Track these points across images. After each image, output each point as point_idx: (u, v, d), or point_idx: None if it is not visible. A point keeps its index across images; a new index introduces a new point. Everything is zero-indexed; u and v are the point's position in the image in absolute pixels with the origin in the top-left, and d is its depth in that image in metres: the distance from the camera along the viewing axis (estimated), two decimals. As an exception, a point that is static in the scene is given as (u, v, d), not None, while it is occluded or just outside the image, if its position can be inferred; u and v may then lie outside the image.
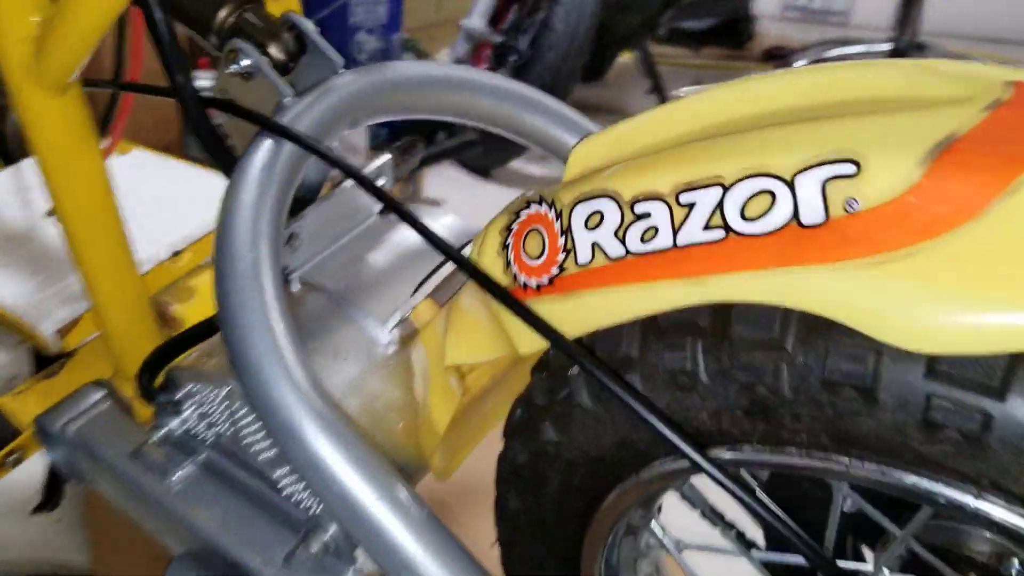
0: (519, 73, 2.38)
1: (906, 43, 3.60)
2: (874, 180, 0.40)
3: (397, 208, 0.59)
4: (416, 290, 0.71)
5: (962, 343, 0.38)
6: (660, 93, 3.34)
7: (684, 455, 0.50)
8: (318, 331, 0.70)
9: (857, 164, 0.41)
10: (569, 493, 0.67)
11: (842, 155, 0.41)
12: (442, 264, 0.73)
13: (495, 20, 2.54)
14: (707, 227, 0.45)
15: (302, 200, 0.73)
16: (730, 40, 4.46)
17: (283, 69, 0.68)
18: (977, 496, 0.43)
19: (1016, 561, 0.55)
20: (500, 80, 0.73)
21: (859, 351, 0.45)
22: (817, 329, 0.46)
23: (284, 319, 0.58)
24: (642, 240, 0.47)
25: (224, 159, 0.67)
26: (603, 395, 0.58)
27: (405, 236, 0.79)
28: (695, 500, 0.78)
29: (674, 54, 4.29)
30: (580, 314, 0.51)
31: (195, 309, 0.93)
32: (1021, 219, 0.37)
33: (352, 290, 0.73)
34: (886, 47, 3.67)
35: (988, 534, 0.57)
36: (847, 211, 0.41)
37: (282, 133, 0.63)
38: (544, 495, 0.68)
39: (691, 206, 0.45)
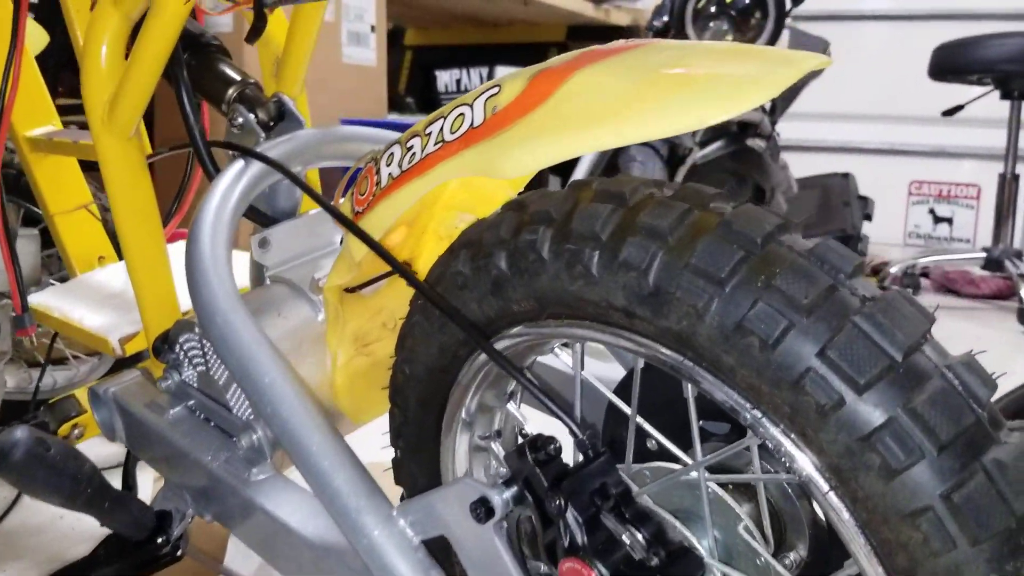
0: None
1: (1000, 252, 3.72)
2: (504, 93, 0.68)
3: (314, 195, 0.89)
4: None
5: (532, 167, 0.64)
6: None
7: (470, 337, 0.75)
8: (274, 303, 0.99)
9: (500, 87, 0.69)
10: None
11: (494, 84, 0.69)
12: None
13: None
14: (436, 143, 0.73)
15: (275, 219, 1.05)
16: (841, 258, 4.65)
17: (266, 127, 1.02)
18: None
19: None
20: (388, 133, 1.04)
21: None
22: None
23: (230, 279, 0.88)
24: (409, 161, 0.76)
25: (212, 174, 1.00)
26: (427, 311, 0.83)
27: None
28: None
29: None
30: (380, 217, 0.78)
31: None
32: (561, 99, 0.64)
33: (303, 281, 1.02)
34: (981, 255, 3.78)
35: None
36: (493, 112, 0.69)
37: (251, 154, 0.95)
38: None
39: (430, 133, 0.74)
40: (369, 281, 0.91)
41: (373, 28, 2.98)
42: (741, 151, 3.33)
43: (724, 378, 0.64)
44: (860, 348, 0.57)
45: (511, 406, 0.90)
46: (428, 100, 5.16)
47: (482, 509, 0.67)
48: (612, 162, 2.91)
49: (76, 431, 1.19)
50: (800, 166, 4.65)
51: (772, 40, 2.82)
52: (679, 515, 0.78)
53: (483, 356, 0.82)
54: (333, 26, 2.78)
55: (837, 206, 4.83)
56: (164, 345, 1.03)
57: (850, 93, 5.19)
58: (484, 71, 6.34)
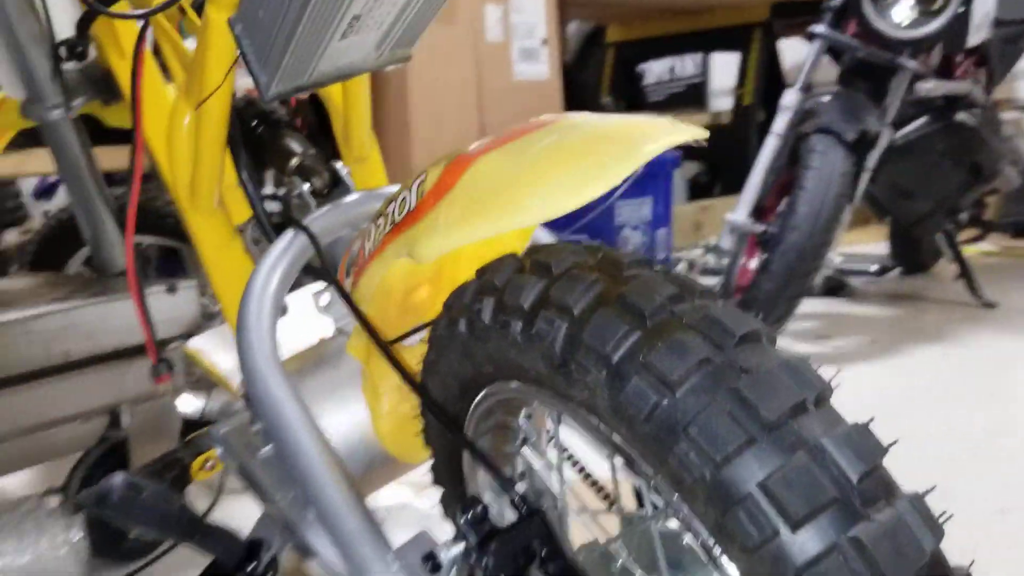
0: (767, 251, 2.59)
1: None
2: (427, 179, 0.73)
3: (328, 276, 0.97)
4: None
5: (444, 250, 0.69)
6: (969, 279, 3.30)
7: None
8: (330, 356, 1.09)
9: (426, 174, 0.74)
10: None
11: (423, 171, 0.75)
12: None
13: (760, 212, 2.79)
14: (390, 224, 0.79)
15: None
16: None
17: (321, 195, 1.12)
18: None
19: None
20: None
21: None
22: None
23: (271, 343, 0.98)
24: (378, 240, 0.82)
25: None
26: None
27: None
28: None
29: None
30: (363, 290, 0.86)
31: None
32: (464, 186, 0.69)
33: (363, 332, 1.11)
34: None
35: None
36: (421, 197, 0.74)
37: (295, 225, 1.05)
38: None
39: (388, 214, 0.80)
40: (405, 334, 0.98)
41: (545, 41, 3.05)
42: (949, 127, 3.09)
43: (630, 446, 0.66)
44: (719, 425, 0.58)
45: (526, 450, 0.95)
46: (632, 97, 5.16)
47: (430, 563, 0.72)
48: (794, 153, 2.80)
49: (208, 464, 1.35)
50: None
51: (964, 9, 2.60)
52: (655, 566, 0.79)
53: (484, 405, 0.87)
54: (503, 46, 2.88)
55: (1095, 170, 4.36)
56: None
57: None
58: (698, 58, 6.19)
